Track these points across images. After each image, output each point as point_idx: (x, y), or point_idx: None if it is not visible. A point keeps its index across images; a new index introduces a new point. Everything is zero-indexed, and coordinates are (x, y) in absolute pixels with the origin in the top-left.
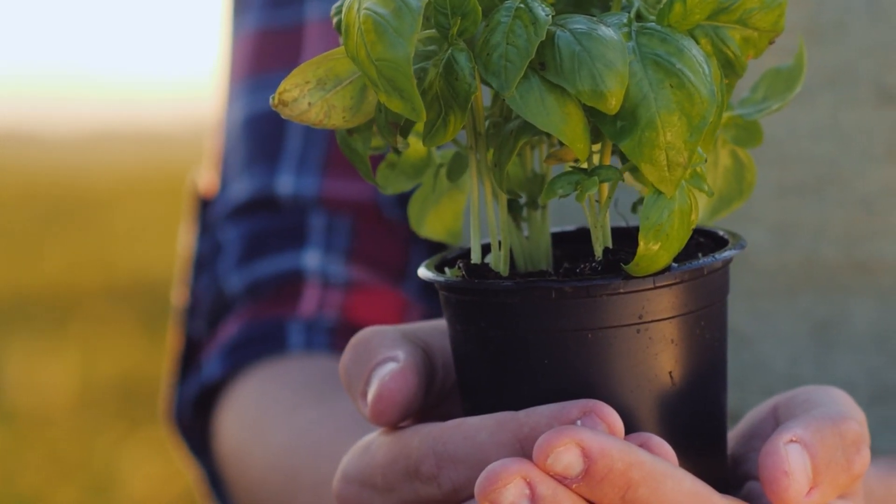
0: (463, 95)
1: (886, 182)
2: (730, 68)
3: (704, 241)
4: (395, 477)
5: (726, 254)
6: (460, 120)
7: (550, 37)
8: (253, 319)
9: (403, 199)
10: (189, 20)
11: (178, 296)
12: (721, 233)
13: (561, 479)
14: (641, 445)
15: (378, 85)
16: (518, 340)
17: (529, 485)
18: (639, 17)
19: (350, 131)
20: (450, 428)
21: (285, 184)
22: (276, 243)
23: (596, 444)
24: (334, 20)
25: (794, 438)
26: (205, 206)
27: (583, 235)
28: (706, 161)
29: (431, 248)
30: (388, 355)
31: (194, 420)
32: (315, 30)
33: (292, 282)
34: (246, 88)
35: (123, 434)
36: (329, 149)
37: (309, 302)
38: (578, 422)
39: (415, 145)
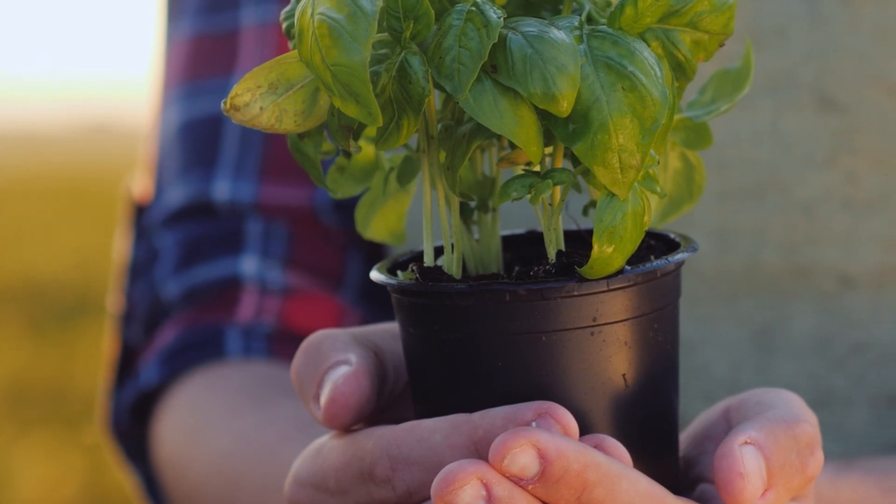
0: (417, 99)
1: (826, 188)
2: (680, 71)
3: (655, 243)
4: (348, 480)
5: (679, 256)
6: (414, 123)
7: (502, 39)
8: (190, 325)
9: (340, 206)
10: (73, 20)
11: (114, 302)
12: (672, 235)
13: (517, 481)
14: (596, 447)
15: (333, 90)
16: (472, 343)
17: (486, 486)
18: (589, 20)
19: (301, 135)
20: (404, 430)
21: (222, 190)
22: (214, 249)
23: (552, 445)
24: (284, 24)
25: (748, 440)
26: (139, 211)
27: (532, 239)
28: (658, 163)
29: (368, 255)
30: (339, 359)
31: (131, 426)
32: (251, 35)
33: (230, 288)
34: (181, 94)
35: (13, 437)
36: (265, 155)
37: (246, 308)
38: (533, 423)
39: (364, 149)
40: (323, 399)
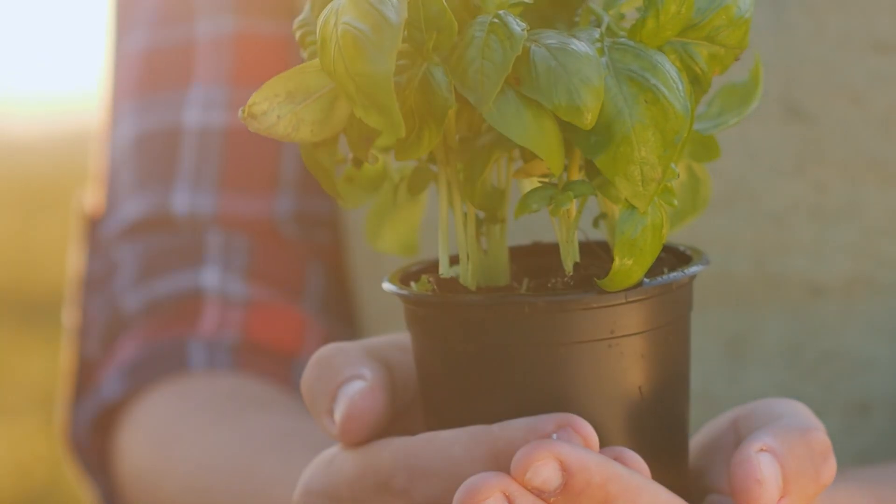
0: (440, 110)
1: (795, 197)
2: (697, 84)
3: (665, 255)
4: (363, 491)
5: (693, 269)
6: (435, 135)
7: (526, 51)
8: (152, 338)
9: (300, 218)
10: (37, 33)
11: (70, 316)
12: (681, 248)
13: (539, 493)
14: (616, 459)
15: (355, 100)
16: (489, 355)
17: (508, 499)
18: (608, 32)
19: (316, 144)
20: (422, 441)
21: (181, 202)
22: (174, 262)
23: (574, 458)
24: (297, 34)
25: (764, 448)
26: (93, 225)
27: (537, 251)
28: (678, 176)
29: (328, 267)
30: (353, 373)
31: (91, 440)
32: (207, 48)
33: (191, 300)
34: (135, 108)
35: None
36: (224, 167)
37: (209, 320)
38: (554, 435)
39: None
40: (338, 414)
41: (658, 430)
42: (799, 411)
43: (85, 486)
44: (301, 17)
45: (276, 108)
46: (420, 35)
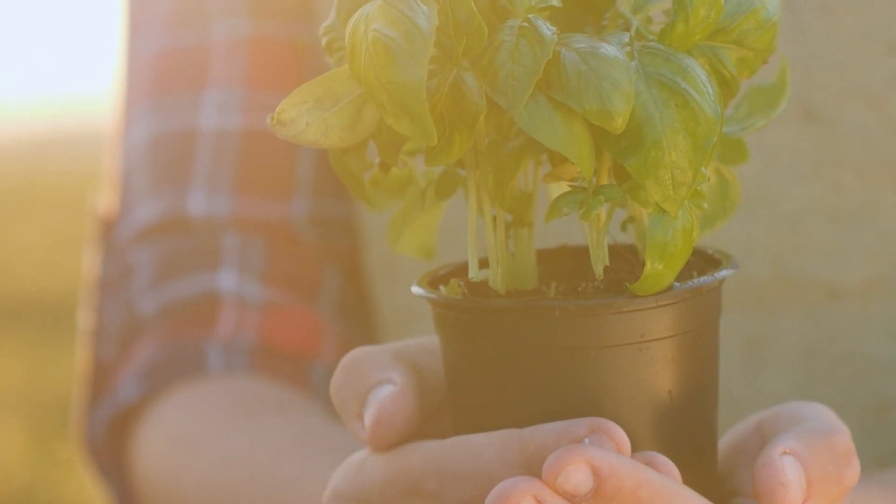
0: (471, 115)
1: (812, 199)
2: (725, 88)
3: (694, 259)
4: (393, 494)
5: (723, 273)
6: (466, 140)
7: (556, 56)
8: (168, 341)
9: (316, 221)
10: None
11: (85, 319)
12: (710, 251)
13: (570, 498)
14: (647, 464)
15: (386, 107)
16: (520, 359)
17: (540, 503)
18: (638, 36)
19: (345, 151)
20: (453, 445)
21: (197, 205)
22: (191, 265)
23: (606, 462)
24: (323, 40)
25: (787, 451)
26: (107, 228)
27: (564, 254)
28: (709, 180)
29: (344, 271)
30: (382, 377)
31: (107, 443)
32: (221, 50)
33: (208, 303)
34: (149, 110)
35: None
36: (240, 170)
37: (226, 323)
38: (585, 440)
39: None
40: (368, 419)
41: (688, 434)
42: (823, 414)
43: (99, 487)
44: (327, 22)
45: (305, 115)
46: (449, 40)
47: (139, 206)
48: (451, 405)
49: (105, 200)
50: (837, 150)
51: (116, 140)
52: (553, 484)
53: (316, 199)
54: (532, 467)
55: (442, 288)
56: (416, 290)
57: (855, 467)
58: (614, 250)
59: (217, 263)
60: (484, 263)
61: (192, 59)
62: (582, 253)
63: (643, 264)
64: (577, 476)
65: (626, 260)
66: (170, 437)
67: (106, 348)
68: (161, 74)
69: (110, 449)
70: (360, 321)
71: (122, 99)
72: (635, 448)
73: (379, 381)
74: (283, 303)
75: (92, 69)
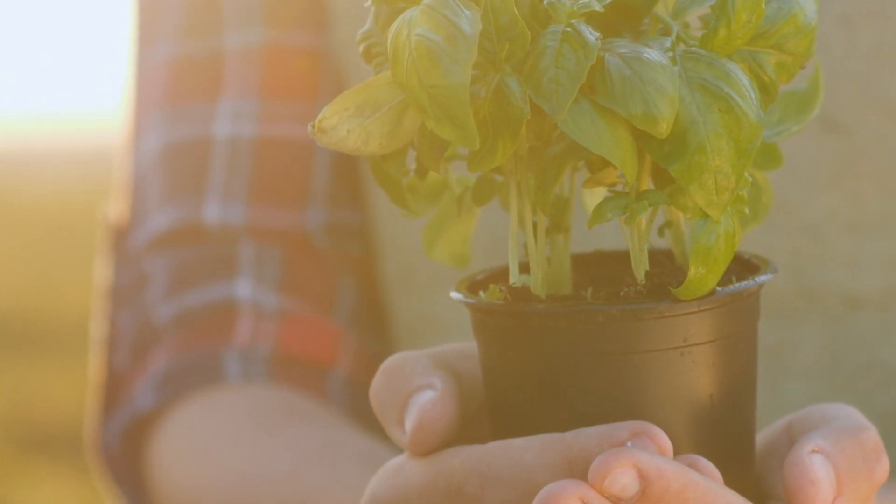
0: (515, 121)
1: (831, 210)
2: (765, 93)
3: (732, 264)
4: (433, 499)
5: (762, 277)
6: (510, 145)
7: (599, 60)
8: (185, 349)
9: (332, 229)
10: None
11: (97, 328)
12: (746, 255)
13: (616, 501)
14: (690, 467)
15: (428, 112)
16: (562, 363)
17: None
18: (679, 41)
19: (384, 157)
20: (495, 449)
21: (212, 214)
22: (206, 273)
23: (653, 465)
24: (361, 46)
25: (816, 448)
26: (120, 237)
27: (598, 259)
28: (756, 183)
29: (359, 280)
30: (423, 382)
31: (122, 451)
32: (235, 59)
33: (225, 311)
34: (162, 119)
35: None
36: (254, 178)
37: (243, 331)
38: (628, 443)
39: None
40: (409, 424)
41: (728, 439)
42: (850, 413)
43: (113, 497)
44: (364, 28)
45: (346, 122)
46: (492, 45)
47: (153, 215)
48: (489, 411)
49: (116, 209)
50: (857, 160)
51: (127, 149)
52: (599, 487)
53: (331, 208)
54: (574, 471)
55: (481, 293)
56: (455, 295)
57: (884, 463)
58: (651, 255)
59: (233, 272)
60: (521, 269)
61: (205, 68)
62: (615, 258)
63: (681, 269)
64: (623, 479)
65: (664, 265)
66: (190, 447)
67: (120, 357)
68: (174, 83)
69: (125, 458)
70: (376, 330)
71: (132, 108)
72: (676, 452)
73: (420, 387)
74: (299, 311)
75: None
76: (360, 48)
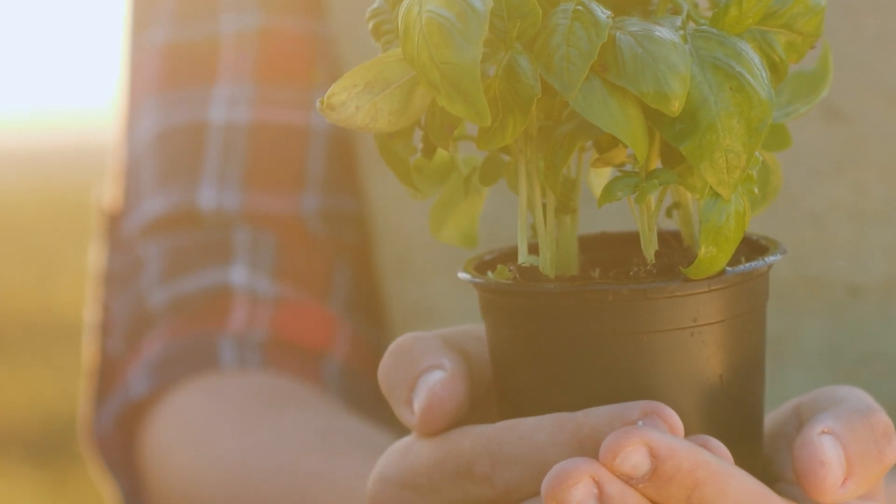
0: (526, 99)
1: (834, 198)
2: (774, 72)
3: (740, 245)
4: (442, 478)
5: (771, 258)
6: (520, 123)
7: (611, 39)
8: (180, 335)
9: (327, 215)
10: None
11: (91, 314)
12: (755, 237)
13: (627, 480)
14: (701, 446)
15: (439, 88)
16: (572, 343)
17: (598, 484)
18: (689, 19)
19: (391, 135)
20: (504, 428)
21: (207, 199)
22: (201, 259)
23: (664, 444)
24: (370, 24)
25: (826, 430)
26: (113, 222)
27: (604, 241)
28: (761, 164)
29: (355, 266)
30: (432, 363)
31: (115, 437)
32: (231, 44)
33: (220, 297)
34: (157, 104)
35: None
36: (250, 164)
37: (238, 317)
38: (639, 423)
39: (438, 151)
40: (418, 404)
41: (738, 419)
42: (860, 396)
43: (106, 483)
44: (374, 6)
45: (355, 99)
46: (503, 23)
47: (147, 200)
48: (497, 392)
49: (109, 195)
50: (860, 149)
51: (121, 134)
52: (611, 465)
53: (327, 194)
54: (585, 450)
55: (489, 273)
56: (462, 275)
57: (895, 445)
58: (660, 236)
59: (228, 258)
60: (529, 250)
61: (200, 53)
62: (621, 240)
63: (690, 250)
64: (635, 457)
65: (673, 246)
66: (185, 433)
67: (114, 343)
68: (168, 68)
69: (119, 443)
70: (372, 317)
71: (126, 94)
72: (686, 432)
73: (429, 367)
74: (294, 297)
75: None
76: (370, 25)
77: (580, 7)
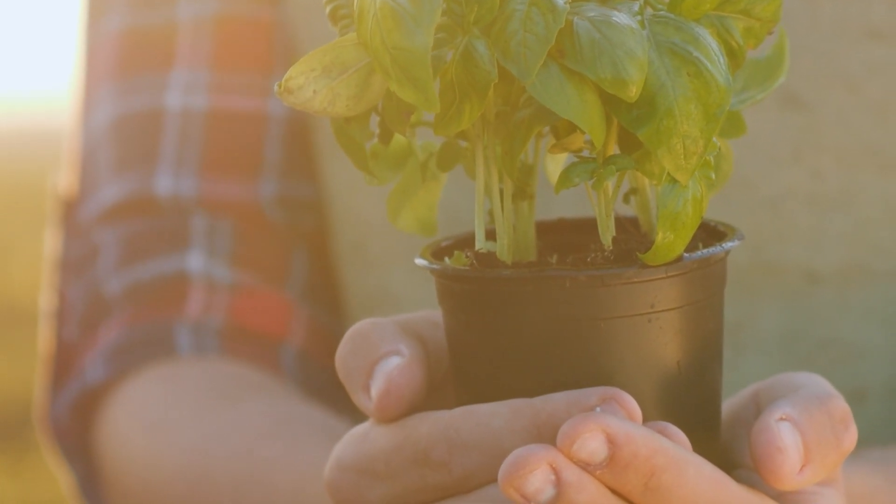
0: (482, 84)
1: (791, 185)
2: (732, 58)
3: (698, 231)
4: (399, 464)
5: (729, 244)
6: (477, 108)
7: (568, 24)
8: (136, 322)
9: (284, 202)
10: None
11: (48, 301)
12: (712, 222)
13: (585, 466)
14: (659, 433)
15: (391, 73)
16: (529, 329)
17: (555, 471)
18: (648, 4)
19: (348, 120)
20: (462, 414)
21: (164, 185)
22: (157, 246)
23: (621, 430)
24: (327, 8)
25: (783, 416)
26: (69, 209)
27: (561, 227)
28: (718, 150)
29: (312, 253)
30: (390, 349)
31: (71, 425)
32: (188, 30)
33: (176, 284)
34: (113, 90)
35: None
36: (207, 150)
37: (195, 304)
38: (597, 408)
39: (396, 137)
40: (375, 390)
41: (695, 405)
42: (818, 382)
43: (62, 470)
44: None
45: (313, 83)
46: (460, 8)
47: (104, 187)
48: (454, 378)
49: (66, 181)
50: (817, 135)
51: (77, 121)
52: (568, 452)
53: (284, 181)
54: (543, 436)
55: (446, 260)
56: (419, 261)
57: (852, 432)
58: (617, 222)
59: (185, 244)
60: (486, 235)
61: (157, 39)
62: (578, 225)
63: (647, 236)
64: (592, 444)
65: (630, 232)
66: (142, 419)
67: (70, 330)
68: (125, 55)
69: (75, 431)
70: (329, 303)
71: (83, 80)
72: (644, 418)
73: (387, 353)
74: (251, 284)
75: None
76: (327, 9)
77: None
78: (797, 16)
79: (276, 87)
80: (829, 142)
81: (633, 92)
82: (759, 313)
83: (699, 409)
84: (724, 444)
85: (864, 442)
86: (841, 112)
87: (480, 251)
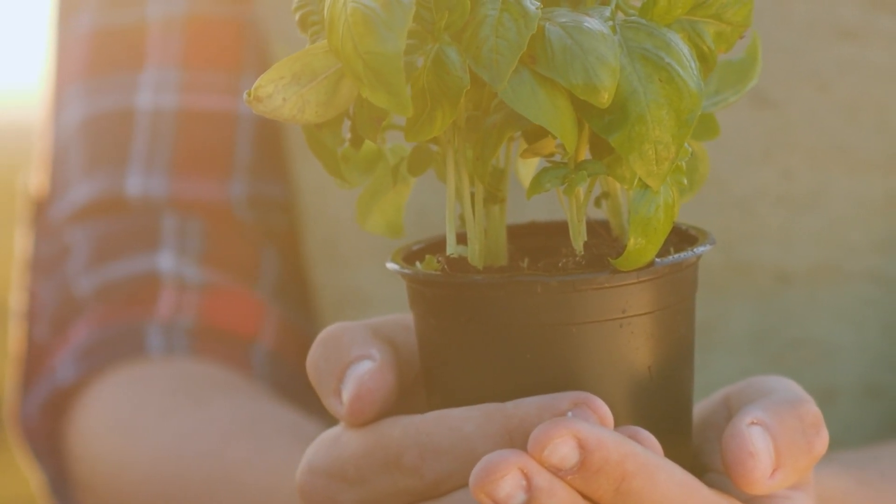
0: (455, 90)
1: (762, 185)
2: (703, 63)
3: (669, 235)
4: (370, 468)
5: (701, 248)
6: (449, 115)
7: (540, 30)
8: (106, 322)
9: (254, 202)
10: None
11: (19, 300)
12: (683, 227)
13: (556, 471)
14: (630, 438)
15: (363, 79)
16: (500, 334)
17: (526, 476)
18: (619, 10)
19: (319, 126)
20: (434, 419)
21: (134, 185)
22: (128, 245)
23: (592, 435)
24: (297, 15)
25: (755, 421)
26: (40, 208)
27: (533, 231)
28: (690, 155)
29: (283, 252)
30: (361, 353)
31: (42, 425)
32: (158, 30)
33: (147, 284)
34: (83, 90)
35: None
36: (177, 150)
37: (166, 304)
38: (569, 413)
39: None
40: (346, 395)
41: (667, 410)
42: (789, 386)
43: (33, 470)
44: None
45: (282, 91)
46: (430, 14)
47: (74, 186)
48: (426, 382)
49: (36, 181)
50: (787, 135)
51: (48, 120)
52: (539, 457)
53: (254, 180)
54: (514, 441)
55: (418, 264)
56: (391, 266)
57: (824, 436)
58: (588, 227)
59: (155, 244)
60: (457, 240)
61: (127, 39)
62: (550, 229)
63: (619, 240)
64: (563, 449)
65: (602, 236)
66: (113, 419)
67: (41, 329)
68: (96, 54)
69: (45, 431)
70: (300, 303)
71: (53, 79)
72: (615, 423)
73: (358, 357)
74: (222, 284)
75: None
76: (297, 16)
77: None
78: (768, 15)
79: (245, 96)
80: (799, 141)
81: (605, 98)
82: (730, 313)
83: (670, 414)
84: (696, 447)
85: (834, 441)
86: (811, 111)
87: (452, 256)
